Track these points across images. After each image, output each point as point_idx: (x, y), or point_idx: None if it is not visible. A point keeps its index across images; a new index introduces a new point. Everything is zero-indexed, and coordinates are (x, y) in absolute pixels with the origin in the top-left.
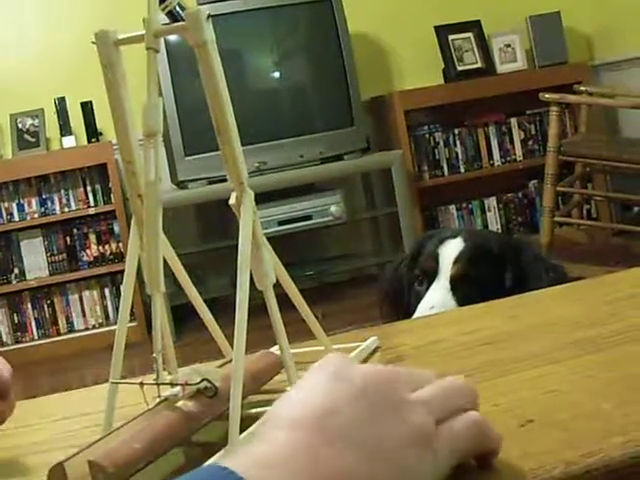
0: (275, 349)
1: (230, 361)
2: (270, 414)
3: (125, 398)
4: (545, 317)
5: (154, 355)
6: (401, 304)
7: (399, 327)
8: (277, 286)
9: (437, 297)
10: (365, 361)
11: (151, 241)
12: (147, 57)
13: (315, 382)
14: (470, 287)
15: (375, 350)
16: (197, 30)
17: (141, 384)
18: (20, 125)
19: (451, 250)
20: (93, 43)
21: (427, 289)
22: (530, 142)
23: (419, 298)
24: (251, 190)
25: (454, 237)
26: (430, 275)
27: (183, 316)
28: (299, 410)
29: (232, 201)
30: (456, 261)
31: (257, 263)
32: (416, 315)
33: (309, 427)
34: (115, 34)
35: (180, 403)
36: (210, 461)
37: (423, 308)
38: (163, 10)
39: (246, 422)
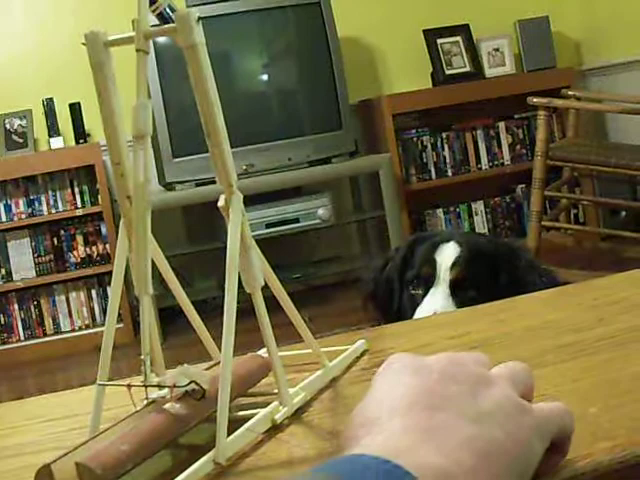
0: (263, 352)
1: (218, 363)
2: (358, 417)
3: (112, 400)
4: (533, 321)
5: (142, 357)
6: (390, 307)
7: (387, 330)
8: (265, 288)
9: (438, 302)
10: (352, 365)
11: (140, 243)
12: (137, 59)
13: (391, 378)
14: (468, 291)
15: (363, 353)
16: (187, 32)
17: (129, 386)
18: (8, 126)
19: (448, 254)
20: (83, 44)
21: (424, 294)
22: (518, 146)
23: (415, 303)
24: (240, 192)
25: (447, 241)
26: (427, 280)
27: (170, 318)
28: (394, 403)
29: (221, 203)
30: (454, 265)
31: (246, 266)
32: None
33: (414, 413)
34: (105, 35)
35: (168, 405)
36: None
37: (424, 312)
38: (153, 12)
39: (233, 425)
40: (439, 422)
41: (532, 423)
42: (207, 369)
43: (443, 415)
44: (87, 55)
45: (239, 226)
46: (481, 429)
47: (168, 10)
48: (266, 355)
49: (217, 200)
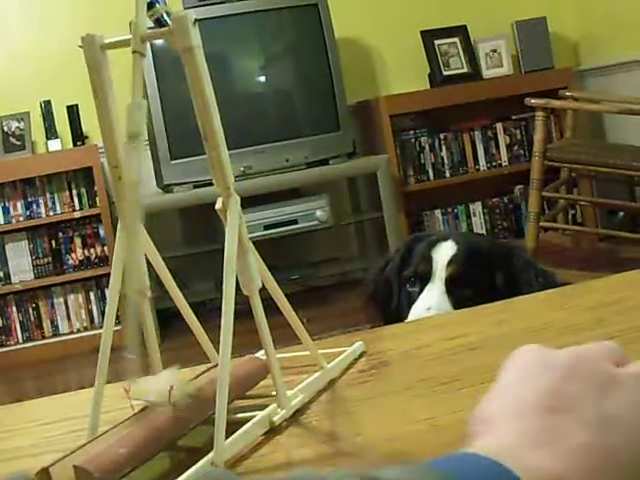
0: (261, 354)
1: (216, 366)
2: (480, 414)
3: (111, 403)
4: (531, 322)
5: (127, 355)
6: (389, 307)
7: (385, 332)
8: (263, 289)
9: (433, 298)
10: (350, 366)
11: (132, 240)
12: (133, 61)
13: (517, 374)
14: (464, 289)
15: (361, 355)
16: (183, 35)
17: (126, 389)
18: (6, 128)
19: (444, 252)
20: (80, 47)
21: (420, 291)
22: (515, 147)
23: (411, 300)
24: (237, 195)
25: (445, 240)
26: (423, 277)
27: (168, 320)
28: (514, 403)
29: (218, 206)
30: (450, 263)
31: (243, 268)
32: (411, 317)
33: (533, 415)
34: (102, 38)
35: (166, 408)
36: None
37: (419, 309)
38: (150, 17)
39: (232, 427)
40: (558, 426)
41: None
42: (205, 371)
43: (563, 418)
44: (84, 57)
45: (236, 229)
46: (601, 435)
47: (166, 16)
48: (264, 357)
49: (215, 202)
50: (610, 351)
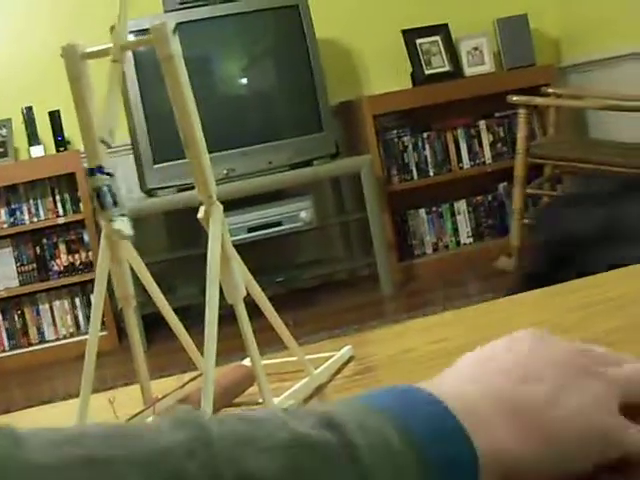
0: (248, 360)
1: (202, 374)
2: (455, 368)
3: (96, 413)
4: (515, 324)
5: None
6: None
7: (371, 336)
8: (247, 293)
9: None
10: (339, 372)
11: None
12: (111, 69)
13: (504, 344)
14: None
15: (350, 359)
16: (163, 44)
17: (111, 400)
18: None
19: None
20: (62, 56)
21: None
22: (499, 145)
23: None
24: (220, 203)
25: None
26: None
27: (154, 324)
28: (491, 367)
29: (201, 215)
30: None
31: (227, 276)
32: None
33: (501, 381)
34: (82, 48)
35: (151, 419)
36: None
37: None
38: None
39: None
40: (514, 390)
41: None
42: (191, 380)
43: (530, 388)
44: (65, 67)
45: (219, 237)
46: (555, 412)
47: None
48: (250, 364)
49: (199, 205)
50: (609, 357)
